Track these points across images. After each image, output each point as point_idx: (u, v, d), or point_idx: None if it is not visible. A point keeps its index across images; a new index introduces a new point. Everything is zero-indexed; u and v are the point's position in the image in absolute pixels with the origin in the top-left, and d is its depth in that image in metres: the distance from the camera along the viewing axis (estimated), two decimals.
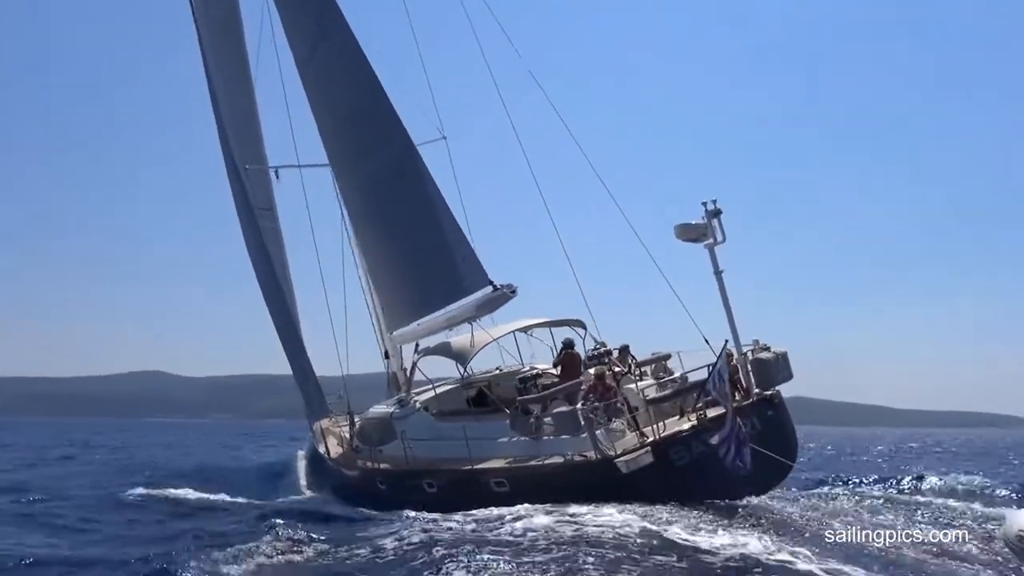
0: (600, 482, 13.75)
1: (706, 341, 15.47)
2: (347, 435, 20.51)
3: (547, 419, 15.18)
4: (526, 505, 13.35)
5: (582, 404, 15.04)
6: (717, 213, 14.91)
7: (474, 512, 13.62)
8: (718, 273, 15.07)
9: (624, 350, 17.92)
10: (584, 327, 18.39)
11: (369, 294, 22.65)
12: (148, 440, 53.60)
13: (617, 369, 16.92)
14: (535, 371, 17.85)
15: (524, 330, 18.80)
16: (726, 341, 14.02)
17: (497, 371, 19.51)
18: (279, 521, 13.84)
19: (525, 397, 16.08)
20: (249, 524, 14.65)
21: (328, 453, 20.53)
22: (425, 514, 14.11)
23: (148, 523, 15.98)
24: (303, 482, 23.08)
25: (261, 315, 22.03)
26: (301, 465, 24.73)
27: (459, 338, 18.57)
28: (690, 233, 15.16)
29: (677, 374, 16.06)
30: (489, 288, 18.12)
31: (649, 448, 13.70)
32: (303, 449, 25.91)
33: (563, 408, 14.80)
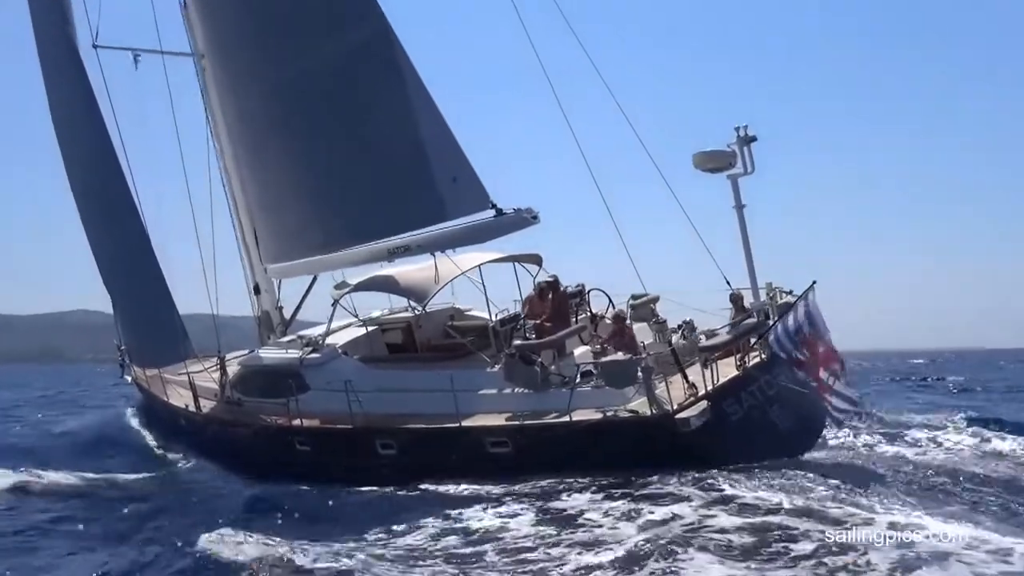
0: (650, 442, 11.96)
1: (727, 282, 14.18)
2: (214, 384, 16.95)
3: (591, 369, 13.00)
4: None
5: (600, 350, 13.29)
6: (750, 140, 13.49)
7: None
8: (740, 207, 13.68)
9: (581, 290, 16.25)
10: (540, 263, 16.27)
11: (238, 219, 18.83)
12: None
13: (595, 311, 15.23)
14: (509, 312, 15.58)
15: (483, 264, 16.23)
16: (813, 282, 12.62)
17: (409, 312, 16.99)
18: None
19: (525, 343, 13.81)
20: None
21: (194, 407, 16.86)
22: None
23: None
24: (154, 446, 18.99)
25: None
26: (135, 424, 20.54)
27: (409, 270, 15.67)
28: (715, 162, 13.60)
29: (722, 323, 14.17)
30: (490, 212, 15.09)
31: (706, 401, 12.13)
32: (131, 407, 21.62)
33: (616, 356, 12.70)
